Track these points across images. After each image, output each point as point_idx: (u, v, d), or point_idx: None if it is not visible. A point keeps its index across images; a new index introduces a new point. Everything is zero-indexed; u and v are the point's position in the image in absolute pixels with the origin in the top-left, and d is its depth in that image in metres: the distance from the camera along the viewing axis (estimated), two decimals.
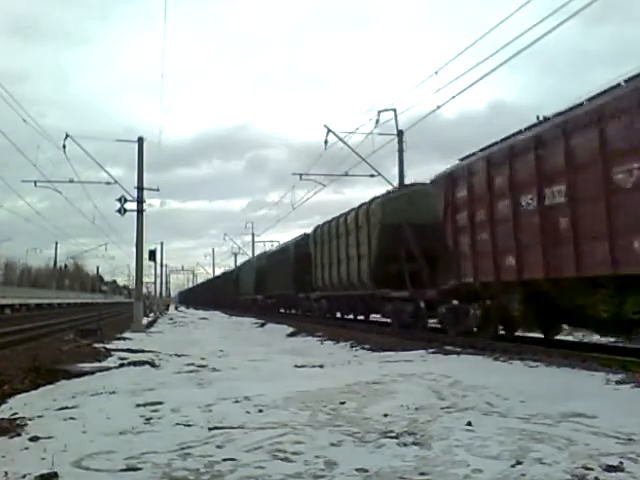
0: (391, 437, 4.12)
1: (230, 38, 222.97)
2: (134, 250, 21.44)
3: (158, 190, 21.86)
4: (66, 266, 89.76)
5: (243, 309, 40.30)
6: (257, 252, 48.25)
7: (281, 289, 27.91)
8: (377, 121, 20.57)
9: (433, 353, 9.70)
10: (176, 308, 57.27)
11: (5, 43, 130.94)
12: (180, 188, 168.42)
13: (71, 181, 21.58)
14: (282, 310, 31.27)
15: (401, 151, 21.23)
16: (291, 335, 16.58)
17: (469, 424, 4.42)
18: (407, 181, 19.73)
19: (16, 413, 5.22)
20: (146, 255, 23.06)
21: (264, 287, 32.76)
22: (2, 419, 4.98)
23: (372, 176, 21.97)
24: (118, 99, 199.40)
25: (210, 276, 74.19)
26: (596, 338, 10.24)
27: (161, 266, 53.84)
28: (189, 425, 4.61)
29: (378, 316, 17.77)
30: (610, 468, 3.29)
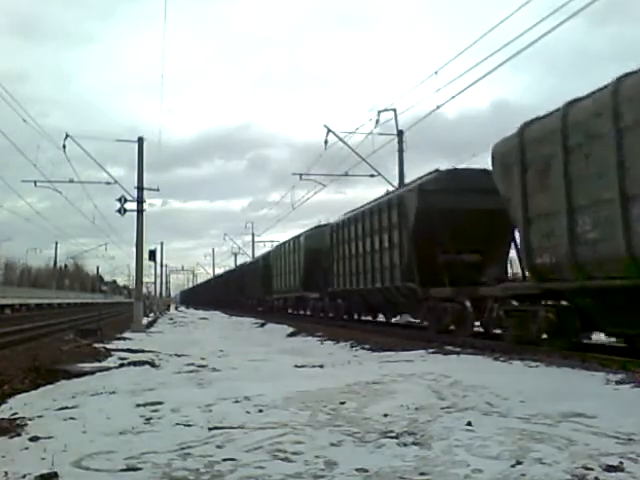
0: (391, 437, 4.12)
1: (232, 38, 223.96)
2: (134, 250, 21.47)
3: (158, 190, 21.91)
4: (66, 266, 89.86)
5: (274, 313, 29.87)
6: (257, 252, 47.55)
7: (371, 281, 16.04)
8: (377, 121, 20.62)
9: (433, 353, 9.70)
10: (176, 308, 57.21)
11: (7, 43, 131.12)
12: (181, 188, 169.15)
13: (71, 181, 21.63)
14: (370, 317, 19.22)
15: (401, 151, 21.27)
16: (291, 335, 16.57)
17: (469, 424, 4.42)
18: (407, 181, 19.77)
19: (16, 413, 5.22)
20: (146, 255, 23.09)
21: (324, 279, 20.96)
22: (2, 419, 4.98)
23: (372, 176, 22.01)
24: (120, 99, 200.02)
25: (210, 276, 74.01)
26: (596, 338, 10.22)
27: (161, 266, 53.89)
28: (189, 425, 4.61)
29: None
30: (610, 468, 3.29)
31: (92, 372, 8.07)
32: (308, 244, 24.30)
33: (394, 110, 20.83)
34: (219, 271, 68.68)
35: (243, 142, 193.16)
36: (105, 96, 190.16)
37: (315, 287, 22.69)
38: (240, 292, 42.26)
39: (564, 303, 9.34)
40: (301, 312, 27.60)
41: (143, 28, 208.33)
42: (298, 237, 26.38)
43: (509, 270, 13.67)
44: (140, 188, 20.65)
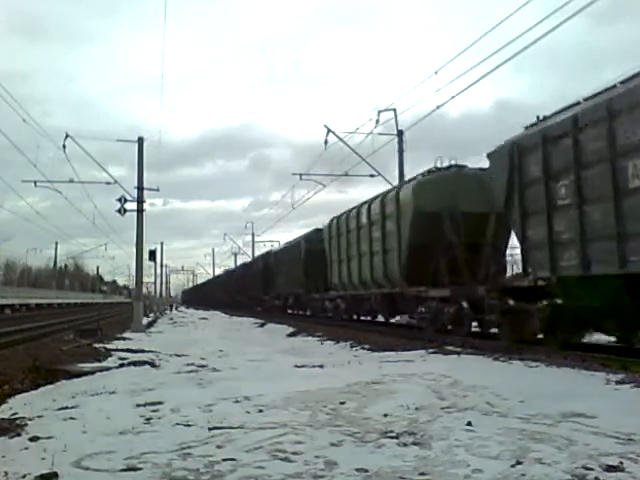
0: (391, 437, 4.12)
1: (235, 38, 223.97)
2: (134, 250, 21.47)
3: (158, 190, 21.93)
4: (66, 266, 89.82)
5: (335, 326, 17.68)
6: (257, 252, 46.84)
7: None
8: (377, 121, 20.60)
9: (433, 353, 9.70)
10: (176, 308, 57.06)
11: (9, 42, 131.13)
12: (183, 188, 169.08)
13: (71, 181, 21.62)
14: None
15: (401, 151, 21.27)
16: (291, 335, 16.57)
17: (469, 424, 4.42)
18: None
19: (16, 413, 5.23)
20: (146, 255, 23.08)
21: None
22: (2, 419, 4.98)
23: (372, 176, 22.00)
24: (123, 98, 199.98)
25: (210, 276, 73.73)
26: (596, 338, 10.21)
27: (161, 266, 53.89)
28: (189, 425, 4.61)
29: None
30: (610, 468, 3.29)
31: (92, 372, 8.08)
32: (417, 196, 13.17)
33: (394, 110, 20.83)
34: (219, 271, 68.08)
35: (245, 142, 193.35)
36: (108, 95, 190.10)
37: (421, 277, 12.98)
38: (265, 290, 31.93)
39: None
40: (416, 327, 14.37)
41: (146, 27, 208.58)
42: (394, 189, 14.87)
43: None
44: (140, 188, 20.64)
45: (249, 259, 47.63)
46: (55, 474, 3.35)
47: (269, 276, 31.20)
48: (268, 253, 33.96)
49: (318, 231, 22.85)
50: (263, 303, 33.98)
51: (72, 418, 4.96)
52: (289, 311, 28.56)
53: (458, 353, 9.55)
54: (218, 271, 69.07)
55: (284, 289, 27.94)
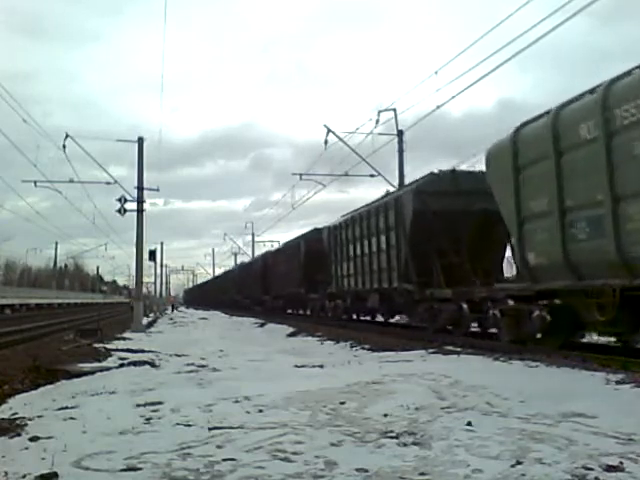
0: (391, 437, 4.12)
1: (237, 37, 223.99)
2: (134, 250, 21.47)
3: (158, 190, 21.94)
4: (66, 266, 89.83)
5: None
6: (257, 252, 46.27)
7: None
8: (377, 121, 20.60)
9: (433, 353, 9.70)
10: (176, 309, 56.88)
11: (10, 42, 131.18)
12: (184, 187, 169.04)
13: (71, 181, 21.63)
14: None
15: (401, 151, 21.27)
16: (291, 335, 16.58)
17: (469, 424, 4.42)
18: (408, 181, 19.67)
19: (16, 413, 5.23)
20: (146, 255, 23.08)
21: None
22: (2, 419, 4.98)
23: (372, 176, 21.99)
24: (124, 98, 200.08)
25: (210, 276, 73.42)
26: (596, 338, 10.21)
27: (161, 266, 53.89)
28: (189, 425, 4.61)
29: None
30: (610, 468, 3.29)
31: (92, 372, 8.08)
32: None
33: (394, 110, 20.83)
34: (219, 271, 67.54)
35: (246, 141, 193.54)
36: (108, 95, 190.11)
37: None
38: (310, 286, 23.06)
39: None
40: None
41: (147, 27, 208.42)
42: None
43: None
44: (140, 188, 20.64)
45: (249, 259, 47.21)
46: (55, 474, 3.35)
47: (318, 266, 21.35)
48: (317, 231, 23.03)
49: (434, 176, 13.63)
50: (306, 304, 25.46)
51: (72, 418, 4.96)
52: (363, 317, 19.34)
53: (458, 353, 9.55)
54: (218, 271, 68.71)
55: (354, 283, 17.49)
